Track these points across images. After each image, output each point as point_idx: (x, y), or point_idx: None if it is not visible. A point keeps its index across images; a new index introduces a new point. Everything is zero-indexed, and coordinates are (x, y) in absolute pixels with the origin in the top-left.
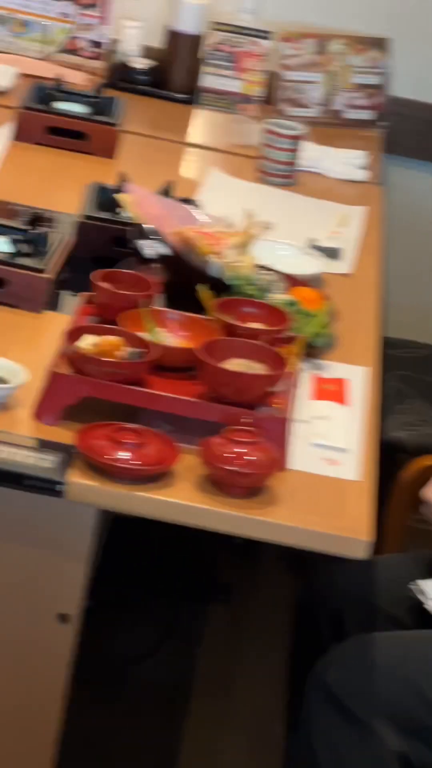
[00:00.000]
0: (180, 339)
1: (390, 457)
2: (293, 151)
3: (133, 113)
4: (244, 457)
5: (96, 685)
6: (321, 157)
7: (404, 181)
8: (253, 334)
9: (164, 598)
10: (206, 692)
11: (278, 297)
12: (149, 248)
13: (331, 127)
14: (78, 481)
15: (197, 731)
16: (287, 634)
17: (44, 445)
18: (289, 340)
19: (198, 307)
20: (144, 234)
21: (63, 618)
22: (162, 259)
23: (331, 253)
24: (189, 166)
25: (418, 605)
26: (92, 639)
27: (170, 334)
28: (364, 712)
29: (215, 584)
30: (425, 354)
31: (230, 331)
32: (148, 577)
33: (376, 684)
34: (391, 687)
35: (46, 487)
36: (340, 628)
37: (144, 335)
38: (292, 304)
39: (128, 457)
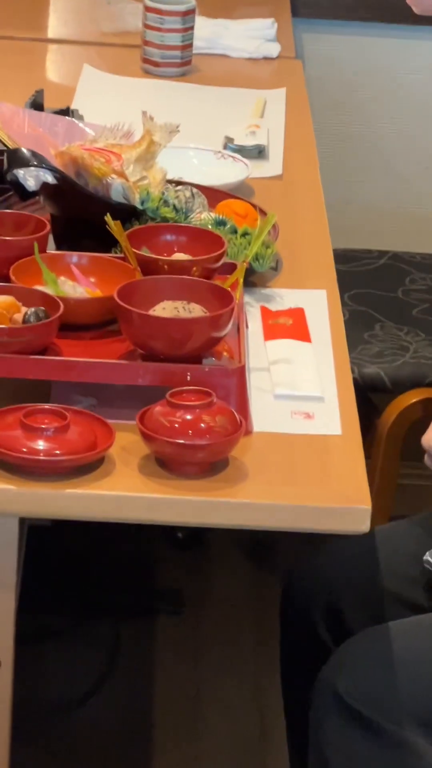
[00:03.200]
0: (90, 287)
1: (365, 400)
2: (185, 30)
3: None
4: (197, 425)
5: (37, 736)
6: (220, 34)
7: (319, 49)
8: (181, 267)
9: (101, 620)
10: (169, 728)
11: (202, 217)
12: (31, 178)
13: None
14: None
15: None
16: (255, 637)
17: None
18: (227, 269)
19: (105, 244)
20: (21, 161)
21: None
22: (49, 189)
23: (254, 153)
24: (56, 67)
25: None
26: (23, 681)
27: (76, 283)
28: (391, 720)
29: (160, 592)
30: (382, 264)
31: (152, 267)
32: (78, 595)
33: (399, 686)
34: (419, 686)
35: None
36: (339, 622)
37: (43, 289)
38: (221, 223)
39: (49, 447)
